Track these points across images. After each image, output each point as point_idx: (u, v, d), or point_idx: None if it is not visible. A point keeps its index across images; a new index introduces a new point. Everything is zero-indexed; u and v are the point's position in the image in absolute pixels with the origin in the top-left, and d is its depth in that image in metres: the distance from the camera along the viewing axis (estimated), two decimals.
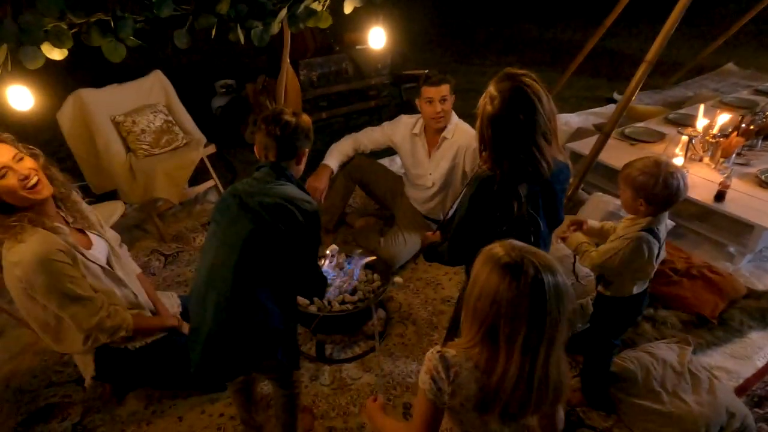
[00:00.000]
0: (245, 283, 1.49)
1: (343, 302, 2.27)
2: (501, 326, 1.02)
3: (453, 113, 2.75)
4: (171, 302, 2.13)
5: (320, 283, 1.74)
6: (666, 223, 1.76)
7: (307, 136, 1.63)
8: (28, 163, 1.59)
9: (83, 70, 4.52)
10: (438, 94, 2.58)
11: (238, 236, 1.48)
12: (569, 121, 4.71)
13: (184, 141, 3.22)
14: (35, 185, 1.59)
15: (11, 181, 1.55)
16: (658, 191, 1.63)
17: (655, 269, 1.79)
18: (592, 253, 1.82)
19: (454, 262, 1.80)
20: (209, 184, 3.40)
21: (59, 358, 2.33)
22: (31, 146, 1.67)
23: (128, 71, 3.27)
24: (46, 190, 1.64)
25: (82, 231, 1.81)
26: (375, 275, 2.45)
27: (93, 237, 1.83)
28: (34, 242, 1.58)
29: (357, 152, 2.98)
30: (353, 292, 2.32)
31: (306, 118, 1.63)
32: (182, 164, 3.07)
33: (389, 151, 3.44)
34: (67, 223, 1.76)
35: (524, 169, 1.45)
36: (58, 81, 3.41)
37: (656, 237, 1.70)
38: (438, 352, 1.10)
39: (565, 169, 1.63)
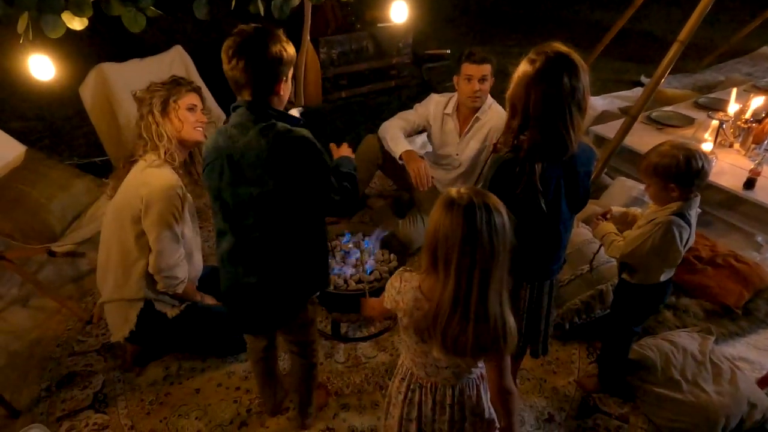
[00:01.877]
0: (275, 233, 1.48)
1: (359, 281, 2.26)
2: (439, 253, 1.13)
3: (488, 95, 2.69)
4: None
5: (346, 196, 1.53)
6: (696, 209, 1.70)
7: (283, 60, 1.39)
8: (202, 115, 1.97)
9: (103, 45, 4.55)
10: (479, 73, 2.52)
11: (248, 198, 1.42)
12: (594, 104, 4.59)
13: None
14: (203, 128, 1.95)
15: (190, 116, 1.89)
16: (684, 170, 1.58)
17: (683, 256, 1.74)
18: (620, 242, 1.78)
19: None
20: None
21: (82, 328, 2.39)
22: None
23: (148, 49, 3.26)
24: (203, 137, 1.94)
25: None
26: (392, 255, 2.43)
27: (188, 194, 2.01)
28: (168, 173, 1.85)
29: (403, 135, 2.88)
30: (369, 271, 2.31)
31: (278, 36, 1.40)
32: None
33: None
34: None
35: (549, 142, 1.40)
36: (79, 54, 3.43)
37: (687, 222, 1.65)
38: (402, 268, 1.31)
39: (588, 150, 1.58)
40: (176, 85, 1.90)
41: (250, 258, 1.51)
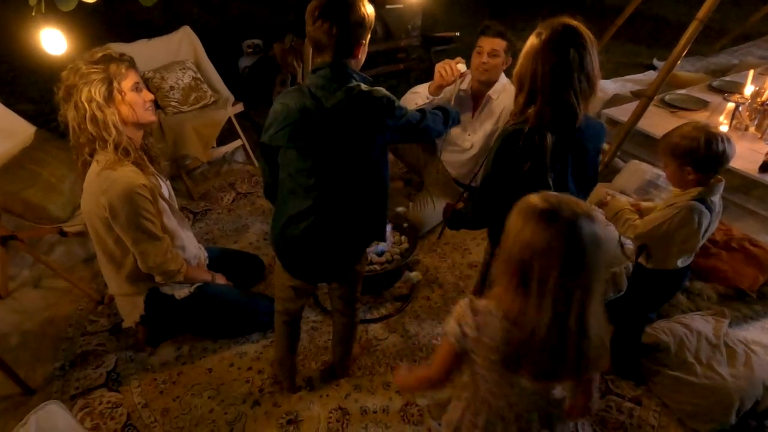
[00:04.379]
0: (357, 186, 1.54)
1: (371, 263, 2.25)
2: (533, 273, 0.98)
3: (503, 75, 2.64)
4: (200, 254, 2.16)
5: (435, 120, 1.69)
6: (720, 196, 1.67)
7: (365, 23, 1.43)
8: (148, 90, 1.79)
9: (111, 27, 4.52)
10: (489, 46, 2.47)
11: (338, 153, 1.48)
12: (605, 87, 4.52)
13: (213, 99, 3.20)
14: (151, 108, 1.78)
15: (138, 97, 1.71)
16: (703, 153, 1.55)
17: (702, 243, 1.71)
18: (637, 221, 1.75)
19: (479, 223, 1.76)
20: (236, 143, 3.39)
21: (93, 308, 2.40)
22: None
23: (155, 31, 3.23)
24: (155, 117, 1.82)
25: (154, 173, 1.89)
26: (403, 237, 2.42)
27: (160, 179, 1.92)
28: (124, 173, 1.68)
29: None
30: (381, 253, 2.31)
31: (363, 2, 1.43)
32: (211, 122, 3.05)
33: None
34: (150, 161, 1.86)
35: (556, 113, 1.38)
36: (87, 36, 3.40)
37: (708, 208, 1.62)
38: (468, 299, 1.09)
39: (598, 126, 1.55)
40: (111, 62, 1.65)
41: (329, 211, 1.55)
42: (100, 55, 1.65)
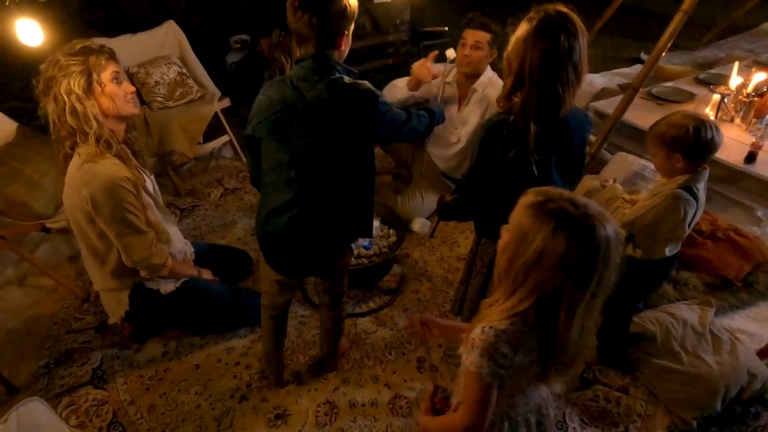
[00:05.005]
0: (336, 180, 1.52)
1: (358, 257, 2.25)
2: (566, 290, 0.93)
3: (489, 68, 2.64)
4: (186, 249, 2.14)
5: (419, 120, 1.69)
6: (704, 183, 1.68)
7: (346, 13, 1.41)
8: (129, 82, 1.77)
9: (94, 22, 4.46)
10: (472, 38, 2.47)
11: (316, 147, 1.46)
12: (593, 81, 4.54)
13: (199, 94, 3.17)
14: (132, 100, 1.74)
15: (119, 89, 1.68)
16: (692, 141, 1.55)
17: (688, 232, 1.72)
18: (625, 209, 1.76)
19: (466, 215, 1.76)
20: (224, 139, 3.37)
21: (79, 306, 2.37)
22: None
23: (140, 27, 3.19)
24: (137, 109, 1.77)
25: (138, 167, 1.87)
26: (391, 230, 2.41)
27: (144, 173, 1.89)
28: (107, 166, 1.65)
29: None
30: (368, 247, 2.30)
31: None
32: (197, 117, 3.03)
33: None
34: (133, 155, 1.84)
35: (542, 101, 1.37)
36: (71, 32, 3.36)
37: (694, 196, 1.62)
38: (491, 328, 0.98)
39: (582, 117, 1.55)
40: (90, 54, 1.62)
41: (310, 204, 1.53)
42: (79, 47, 1.62)
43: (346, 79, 1.44)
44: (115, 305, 1.96)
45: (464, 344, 1.04)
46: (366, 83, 1.47)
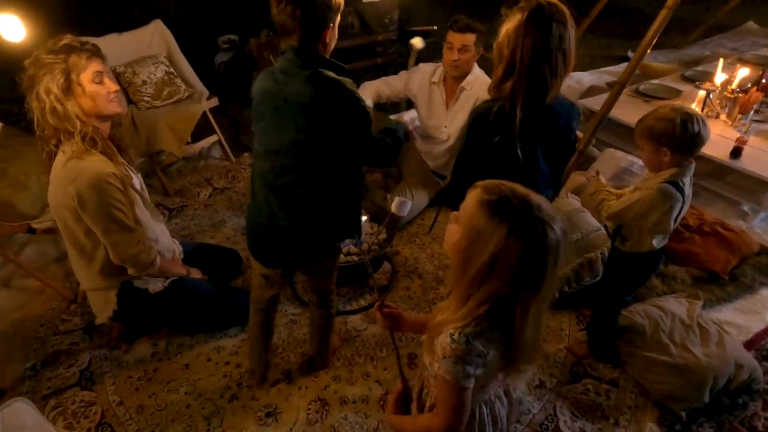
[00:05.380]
0: (311, 177, 1.50)
1: (348, 254, 2.24)
2: (520, 293, 0.94)
3: (476, 65, 2.65)
4: (174, 248, 2.12)
5: (384, 150, 1.62)
6: (691, 178, 1.69)
7: (331, 5, 1.38)
8: (114, 81, 1.72)
9: (82, 21, 4.41)
10: (459, 42, 2.49)
11: (290, 141, 1.45)
12: (581, 79, 4.59)
13: (187, 93, 3.15)
14: (117, 99, 1.71)
15: (101, 89, 1.65)
16: (679, 134, 1.56)
17: (675, 226, 1.73)
18: (611, 202, 1.77)
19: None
20: (212, 139, 3.35)
21: (66, 307, 2.34)
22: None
23: (128, 26, 3.16)
24: (122, 107, 1.75)
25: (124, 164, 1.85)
26: (380, 227, 2.41)
27: (131, 170, 1.87)
28: (92, 162, 1.63)
29: (377, 100, 2.87)
30: (359, 243, 2.29)
31: None
32: (185, 116, 3.01)
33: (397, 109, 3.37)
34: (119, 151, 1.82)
35: (530, 89, 1.40)
36: (59, 32, 3.33)
37: (680, 190, 1.64)
38: (460, 334, 0.97)
39: (568, 105, 1.57)
40: (71, 52, 1.59)
41: (284, 199, 1.53)
42: (61, 44, 1.59)
43: (328, 73, 1.41)
44: (103, 305, 1.94)
45: (428, 351, 1.05)
46: (347, 80, 1.43)
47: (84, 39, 1.68)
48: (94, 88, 1.64)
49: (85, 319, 2.28)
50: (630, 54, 5.14)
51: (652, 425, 1.83)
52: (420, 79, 2.78)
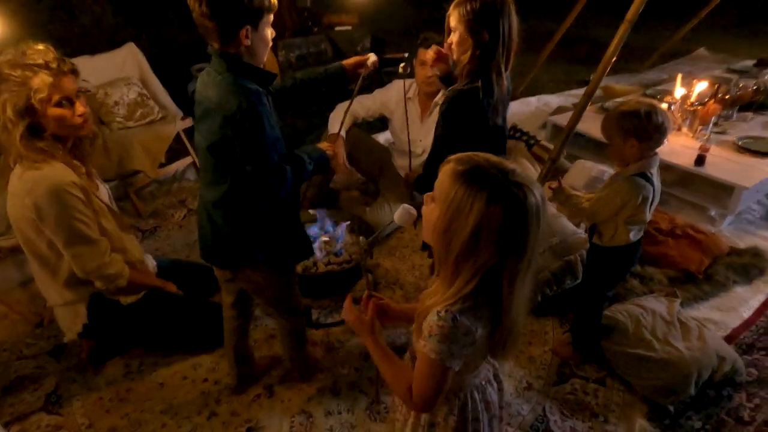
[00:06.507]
0: (216, 185, 1.45)
1: (329, 263, 2.21)
2: (506, 263, 0.92)
3: None
4: (147, 261, 2.06)
5: (277, 176, 1.42)
6: (658, 170, 1.74)
7: (242, 5, 1.26)
8: (83, 103, 1.63)
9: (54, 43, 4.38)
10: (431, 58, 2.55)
11: (202, 141, 1.42)
12: (549, 101, 4.75)
13: (160, 115, 3.13)
14: (87, 121, 1.64)
15: (71, 112, 1.58)
16: (644, 124, 1.62)
17: (650, 217, 1.77)
18: (584, 203, 1.81)
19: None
20: (186, 161, 3.32)
21: (31, 331, 2.22)
22: (83, 79, 1.70)
23: (98, 47, 3.16)
24: (91, 128, 1.69)
25: (88, 174, 1.78)
26: (361, 238, 2.38)
27: (96, 179, 1.81)
28: (51, 171, 1.56)
29: (354, 120, 2.90)
30: (339, 253, 2.27)
31: None
32: (159, 136, 2.98)
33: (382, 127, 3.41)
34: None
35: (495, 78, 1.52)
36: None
37: (648, 180, 1.68)
38: (447, 312, 0.94)
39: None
40: (34, 73, 1.48)
41: (202, 198, 1.53)
42: (27, 62, 1.48)
43: (237, 81, 1.32)
44: (72, 320, 1.84)
45: (418, 337, 1.02)
46: (252, 88, 1.33)
47: (58, 55, 1.57)
48: (59, 111, 1.55)
49: (52, 342, 2.16)
50: (591, 77, 5.36)
51: (641, 421, 1.81)
52: (396, 95, 2.84)
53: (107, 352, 2.08)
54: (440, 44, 2.58)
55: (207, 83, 1.37)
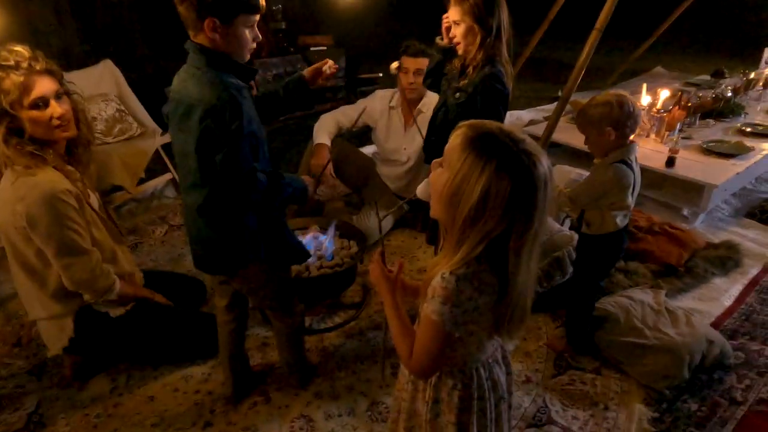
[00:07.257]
0: (197, 188, 1.40)
1: (321, 267, 2.19)
2: (513, 232, 0.92)
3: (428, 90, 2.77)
4: (135, 272, 2.00)
5: (247, 180, 1.36)
6: (636, 154, 1.82)
7: None
8: (66, 104, 1.58)
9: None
10: (414, 66, 2.60)
11: (182, 142, 1.36)
12: (521, 116, 4.91)
13: (139, 131, 3.09)
14: (66, 124, 1.58)
15: (45, 114, 1.52)
16: (617, 113, 1.69)
17: (632, 204, 1.83)
18: (567, 192, 1.86)
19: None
20: (166, 177, 3.26)
21: (8, 351, 2.11)
22: (69, 81, 1.65)
23: (75, 64, 3.12)
24: (72, 131, 1.62)
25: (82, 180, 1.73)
26: (351, 242, 2.39)
27: (88, 188, 1.76)
28: (44, 178, 1.53)
29: (339, 130, 2.91)
30: (329, 258, 2.25)
31: None
32: (138, 152, 2.94)
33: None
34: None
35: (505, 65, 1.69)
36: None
37: (629, 166, 1.75)
38: (451, 274, 0.94)
39: None
40: (10, 74, 1.45)
41: (185, 207, 1.50)
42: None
43: (212, 76, 1.28)
44: (57, 333, 1.76)
45: (423, 299, 1.01)
46: (233, 82, 1.31)
47: (35, 54, 1.53)
48: (34, 114, 1.50)
49: (31, 361, 2.06)
50: (560, 94, 5.58)
51: (640, 406, 1.83)
52: (380, 104, 2.88)
53: (93, 366, 1.98)
54: (424, 51, 2.67)
55: (185, 79, 1.33)
